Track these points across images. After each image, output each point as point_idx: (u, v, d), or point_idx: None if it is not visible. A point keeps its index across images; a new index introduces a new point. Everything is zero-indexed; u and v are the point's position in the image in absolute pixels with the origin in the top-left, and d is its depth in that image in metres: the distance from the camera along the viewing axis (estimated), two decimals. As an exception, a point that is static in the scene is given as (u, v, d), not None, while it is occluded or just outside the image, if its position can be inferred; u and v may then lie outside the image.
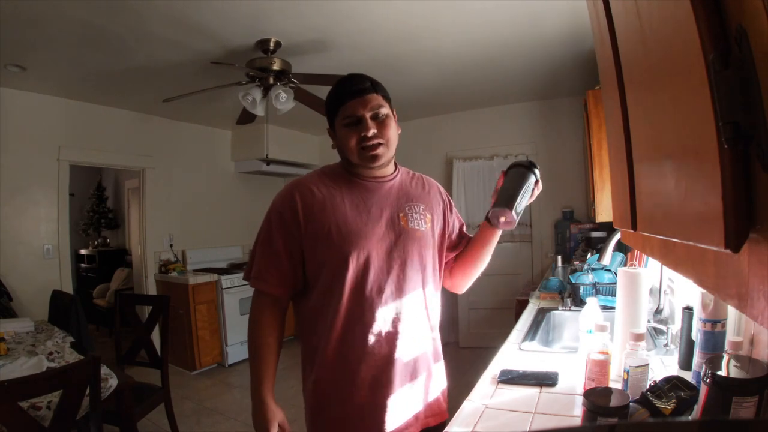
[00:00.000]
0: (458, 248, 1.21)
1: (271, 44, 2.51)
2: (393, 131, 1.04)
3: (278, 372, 1.08)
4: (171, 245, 4.20)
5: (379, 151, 1.02)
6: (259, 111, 2.65)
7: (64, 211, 3.47)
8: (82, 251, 5.82)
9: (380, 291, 1.01)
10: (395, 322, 1.03)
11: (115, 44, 2.46)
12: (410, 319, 1.05)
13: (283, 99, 2.55)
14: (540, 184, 1.08)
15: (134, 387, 1.96)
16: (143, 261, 4.11)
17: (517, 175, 1.06)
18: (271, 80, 2.59)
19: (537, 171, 1.07)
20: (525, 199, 1.05)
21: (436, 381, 1.14)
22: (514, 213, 1.02)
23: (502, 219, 1.06)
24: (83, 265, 5.77)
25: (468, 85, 3.54)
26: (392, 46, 2.67)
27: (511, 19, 2.37)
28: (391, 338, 1.02)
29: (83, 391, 1.46)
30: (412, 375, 1.07)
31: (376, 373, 1.02)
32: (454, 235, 1.21)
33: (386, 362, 1.02)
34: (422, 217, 1.10)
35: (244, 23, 2.30)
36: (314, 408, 1.05)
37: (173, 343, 3.24)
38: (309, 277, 1.05)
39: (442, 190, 1.23)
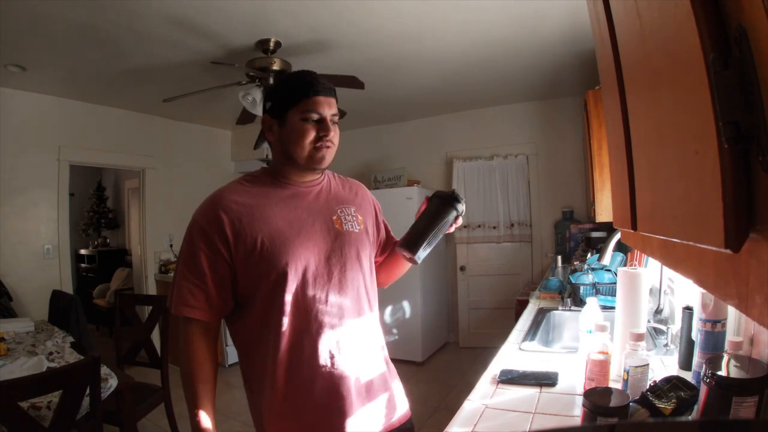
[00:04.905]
0: (385, 252, 1.19)
1: (271, 44, 2.51)
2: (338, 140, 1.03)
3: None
4: (171, 245, 4.20)
5: (329, 153, 0.98)
6: (259, 111, 2.65)
7: (64, 211, 3.47)
8: (82, 251, 5.83)
9: (325, 299, 0.96)
10: (343, 331, 0.97)
11: (115, 44, 2.46)
12: (358, 326, 1.00)
13: (283, 99, 2.55)
14: (461, 219, 1.06)
15: (134, 387, 1.96)
16: (143, 261, 4.11)
17: (435, 211, 1.03)
18: (271, 80, 2.59)
19: (459, 206, 1.03)
20: (438, 235, 1.03)
21: (399, 401, 1.08)
22: (416, 256, 1.00)
23: (407, 256, 1.02)
24: (83, 265, 5.78)
25: (468, 85, 3.54)
26: (392, 46, 2.67)
27: (512, 19, 2.37)
28: (342, 349, 0.96)
29: (83, 391, 1.46)
30: (368, 394, 1.00)
31: (331, 392, 0.95)
32: (382, 239, 1.18)
33: (339, 377, 0.95)
34: (354, 219, 1.06)
35: (244, 23, 2.30)
36: None
37: (173, 343, 3.23)
38: (243, 296, 0.97)
39: (369, 193, 1.19)
